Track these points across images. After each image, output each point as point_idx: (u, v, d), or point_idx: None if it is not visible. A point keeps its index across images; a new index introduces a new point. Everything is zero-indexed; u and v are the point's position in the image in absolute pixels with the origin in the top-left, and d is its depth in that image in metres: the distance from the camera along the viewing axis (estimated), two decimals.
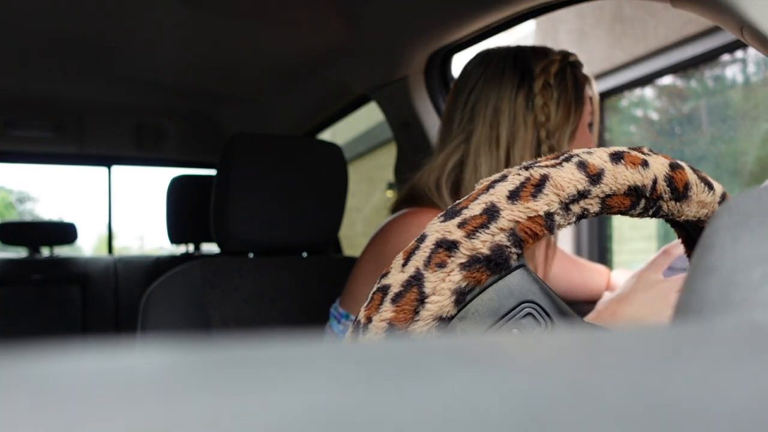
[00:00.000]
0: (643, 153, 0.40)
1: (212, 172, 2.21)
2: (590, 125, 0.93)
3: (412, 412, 0.09)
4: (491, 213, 0.36)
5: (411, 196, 0.92)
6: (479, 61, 0.93)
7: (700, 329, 0.15)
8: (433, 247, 0.36)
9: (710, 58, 2.22)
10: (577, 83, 0.89)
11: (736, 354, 0.12)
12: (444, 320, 0.35)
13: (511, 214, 0.36)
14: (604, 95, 2.61)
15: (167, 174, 3.04)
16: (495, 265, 0.35)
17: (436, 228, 0.36)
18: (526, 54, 0.90)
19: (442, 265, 0.35)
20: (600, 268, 1.19)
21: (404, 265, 0.36)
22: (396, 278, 0.36)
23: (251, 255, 1.19)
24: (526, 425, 0.09)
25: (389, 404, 0.09)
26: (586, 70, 0.93)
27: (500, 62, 0.90)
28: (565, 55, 0.90)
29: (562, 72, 0.88)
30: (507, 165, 0.86)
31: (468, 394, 0.10)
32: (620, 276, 1.16)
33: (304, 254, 1.26)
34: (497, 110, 0.87)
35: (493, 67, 0.90)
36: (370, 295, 0.37)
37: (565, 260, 1.11)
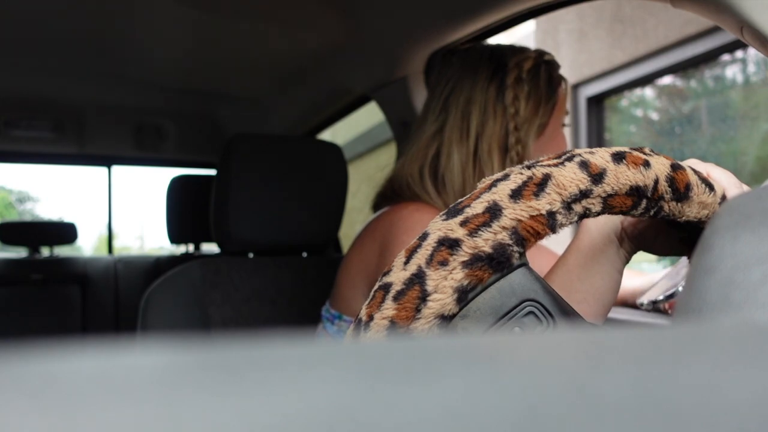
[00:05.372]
0: (645, 153, 0.40)
1: (212, 172, 2.21)
2: (563, 124, 0.96)
3: (413, 411, 0.09)
4: (494, 211, 0.36)
5: (391, 191, 0.93)
6: (457, 55, 0.96)
7: (700, 329, 0.15)
8: (435, 245, 0.35)
9: (710, 58, 2.22)
10: (550, 81, 0.91)
11: (736, 354, 0.12)
12: (446, 318, 0.35)
13: (514, 212, 0.36)
14: (604, 95, 2.61)
15: (167, 174, 3.04)
16: (497, 263, 0.35)
17: (439, 226, 0.36)
18: (503, 50, 0.93)
19: (444, 263, 0.35)
20: None
21: (406, 263, 0.36)
22: (398, 276, 0.36)
23: (251, 255, 1.19)
24: (527, 424, 0.09)
25: (390, 404, 0.09)
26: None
27: (476, 55, 0.93)
28: (540, 54, 0.93)
29: (535, 68, 0.90)
30: (475, 155, 0.88)
31: (469, 393, 0.10)
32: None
33: (304, 254, 1.26)
34: (469, 100, 0.89)
35: (470, 60, 0.93)
36: (372, 293, 0.37)
37: (552, 259, 1.12)
